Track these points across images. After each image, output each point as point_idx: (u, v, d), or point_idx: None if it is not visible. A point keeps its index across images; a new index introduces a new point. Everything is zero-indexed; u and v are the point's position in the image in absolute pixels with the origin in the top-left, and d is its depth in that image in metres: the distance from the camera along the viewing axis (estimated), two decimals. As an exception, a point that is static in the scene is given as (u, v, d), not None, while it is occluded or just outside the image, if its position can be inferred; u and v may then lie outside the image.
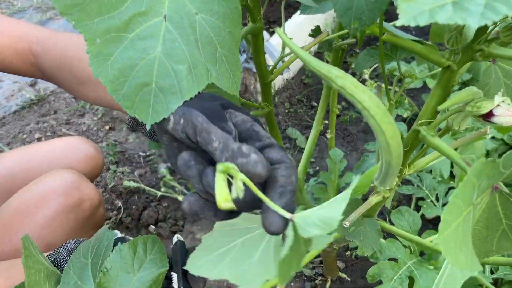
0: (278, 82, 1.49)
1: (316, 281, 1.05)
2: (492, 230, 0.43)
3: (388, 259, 0.89)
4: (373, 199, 0.65)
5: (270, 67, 0.73)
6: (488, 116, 0.45)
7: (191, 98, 0.39)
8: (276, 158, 0.32)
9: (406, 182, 1.10)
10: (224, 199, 0.26)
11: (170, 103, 0.38)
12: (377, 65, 1.06)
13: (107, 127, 1.45)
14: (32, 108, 1.53)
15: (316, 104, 1.49)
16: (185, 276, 0.48)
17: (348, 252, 1.11)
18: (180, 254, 0.57)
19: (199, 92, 0.40)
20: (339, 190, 0.98)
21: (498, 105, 0.44)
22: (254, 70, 1.36)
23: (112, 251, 0.43)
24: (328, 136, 1.01)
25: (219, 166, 0.27)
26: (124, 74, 0.38)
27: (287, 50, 0.73)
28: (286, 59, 0.75)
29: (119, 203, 1.23)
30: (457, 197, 0.31)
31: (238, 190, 0.27)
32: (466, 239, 0.34)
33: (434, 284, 0.37)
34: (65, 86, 0.65)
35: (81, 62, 0.61)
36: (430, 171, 1.06)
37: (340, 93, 0.48)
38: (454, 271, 0.35)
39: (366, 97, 0.47)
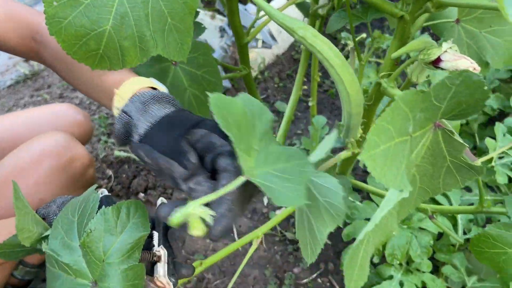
0: (268, 57, 1.51)
1: (298, 244, 1.09)
2: (437, 167, 0.46)
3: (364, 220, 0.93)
4: (342, 154, 0.68)
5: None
6: (437, 62, 0.48)
7: (156, 126, 0.49)
8: (222, 167, 0.39)
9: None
10: (195, 232, 0.33)
11: (114, 67, 0.49)
12: (363, 36, 1.08)
13: (99, 101, 1.48)
14: (26, 83, 1.56)
15: (305, 80, 1.51)
16: (165, 235, 0.51)
17: (330, 218, 1.15)
18: None
19: (165, 116, 0.49)
20: (319, 156, 1.01)
21: (446, 51, 0.47)
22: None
23: (96, 213, 0.45)
24: (310, 104, 1.04)
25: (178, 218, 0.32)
26: (76, 38, 0.46)
27: (262, 13, 0.75)
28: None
29: (110, 172, 1.27)
30: (384, 120, 0.34)
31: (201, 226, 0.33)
32: (398, 164, 0.37)
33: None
34: (63, 77, 0.70)
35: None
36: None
37: (302, 43, 0.50)
38: (390, 196, 0.38)
39: (326, 47, 0.50)
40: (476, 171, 0.41)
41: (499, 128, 0.98)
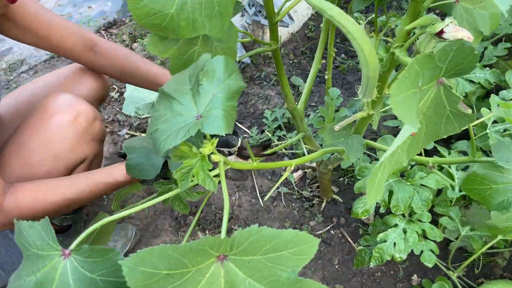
0: (283, 35, 1.62)
1: (313, 201, 1.24)
2: (439, 116, 0.58)
3: (373, 177, 1.06)
4: (359, 114, 0.81)
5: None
6: (440, 34, 0.60)
7: None
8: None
9: (392, 117, 1.26)
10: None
11: (170, 35, 0.62)
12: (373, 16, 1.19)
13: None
14: (60, 58, 1.68)
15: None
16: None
17: (341, 179, 1.29)
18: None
19: None
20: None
21: (447, 25, 0.60)
22: (262, 22, 1.50)
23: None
24: (326, 77, 1.17)
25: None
26: (147, 15, 0.61)
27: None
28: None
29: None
30: (403, 76, 0.46)
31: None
32: (412, 108, 0.49)
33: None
34: (118, 78, 1.02)
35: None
36: (414, 109, 1.22)
37: (331, 21, 0.63)
38: (404, 132, 0.51)
39: (350, 24, 0.63)
40: (468, 118, 0.54)
41: (494, 99, 1.11)
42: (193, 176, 0.53)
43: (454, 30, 0.59)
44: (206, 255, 0.42)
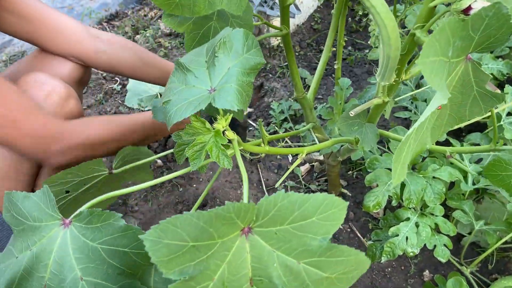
0: (290, 27, 1.59)
1: (321, 195, 1.21)
2: (466, 96, 0.54)
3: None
4: (374, 101, 0.78)
5: None
6: (467, 10, 0.57)
7: None
8: None
9: (404, 108, 1.23)
10: None
11: (185, 14, 0.59)
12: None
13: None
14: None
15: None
16: None
17: (350, 172, 1.26)
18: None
19: None
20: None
21: (476, 0, 0.56)
22: (268, 13, 1.47)
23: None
24: (335, 67, 1.13)
25: None
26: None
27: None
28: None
29: (146, 130, 1.37)
30: (433, 37, 0.42)
31: None
32: (441, 76, 0.45)
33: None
34: (138, 78, 1.04)
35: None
36: (425, 100, 1.19)
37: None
38: (433, 101, 0.47)
39: (373, -1, 0.59)
40: (497, 98, 0.51)
41: (508, 89, 1.08)
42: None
43: (483, 5, 0.55)
44: (231, 225, 0.39)
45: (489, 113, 1.10)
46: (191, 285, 0.38)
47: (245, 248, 0.40)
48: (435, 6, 0.60)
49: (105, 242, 0.44)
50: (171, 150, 0.73)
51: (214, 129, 0.48)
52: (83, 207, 0.46)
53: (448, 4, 0.61)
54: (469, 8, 0.56)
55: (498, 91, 0.51)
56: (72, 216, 0.46)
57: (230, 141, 0.54)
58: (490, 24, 0.43)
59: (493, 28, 0.44)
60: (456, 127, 0.67)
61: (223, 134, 0.49)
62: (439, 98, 0.42)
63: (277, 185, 0.85)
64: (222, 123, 0.47)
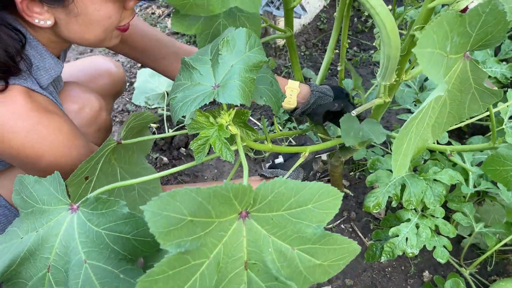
0: (295, 27, 1.60)
1: (323, 195, 1.22)
2: (464, 93, 0.54)
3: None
4: (376, 101, 0.79)
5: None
6: (465, 11, 0.58)
7: None
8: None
9: (407, 111, 1.23)
10: None
11: (200, 13, 0.61)
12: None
13: (139, 65, 1.60)
14: (71, 47, 1.68)
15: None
16: None
17: (352, 173, 1.27)
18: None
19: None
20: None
21: (473, 1, 0.58)
22: (274, 13, 1.48)
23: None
24: (339, 68, 1.15)
25: None
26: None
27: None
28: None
29: (153, 128, 1.40)
30: (430, 29, 0.42)
31: None
32: (438, 68, 0.45)
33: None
34: (153, 68, 0.98)
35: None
36: (429, 103, 1.20)
37: None
38: (430, 96, 0.47)
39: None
40: (495, 95, 0.52)
41: (511, 93, 1.09)
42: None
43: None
44: (229, 206, 0.40)
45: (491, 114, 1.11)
46: (186, 258, 0.39)
47: (241, 232, 0.42)
48: (434, 7, 0.61)
49: (109, 228, 0.46)
50: (171, 133, 0.75)
51: (217, 123, 0.50)
52: (91, 194, 0.48)
53: (444, 6, 0.62)
54: (466, 9, 0.58)
55: (496, 88, 0.52)
56: (80, 202, 0.48)
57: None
58: (486, 21, 0.44)
59: (489, 25, 0.45)
60: (456, 126, 0.68)
61: (226, 129, 0.51)
62: (437, 91, 0.43)
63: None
64: (225, 118, 0.49)
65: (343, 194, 0.43)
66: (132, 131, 0.72)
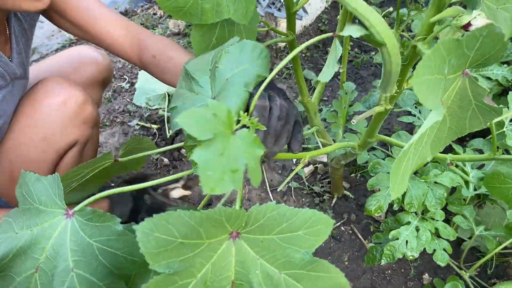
0: (297, 28, 1.60)
1: (324, 197, 1.23)
2: (464, 110, 0.55)
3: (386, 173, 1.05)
4: (377, 109, 0.79)
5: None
6: (467, 27, 0.58)
7: None
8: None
9: (407, 113, 1.24)
10: None
11: (194, 21, 0.61)
12: (390, 10, 1.17)
13: (139, 66, 1.61)
14: (72, 46, 1.68)
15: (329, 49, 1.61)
16: None
17: (353, 175, 1.27)
18: None
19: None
20: (348, 117, 1.13)
21: (475, 17, 0.58)
22: (276, 14, 1.48)
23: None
24: (340, 70, 1.15)
25: None
26: (176, 6, 0.60)
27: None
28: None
29: (154, 129, 1.40)
30: (428, 58, 0.44)
31: None
32: (436, 95, 0.47)
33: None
34: (153, 73, 0.90)
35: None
36: (430, 105, 1.20)
37: (354, 13, 0.61)
38: (428, 120, 0.48)
39: (373, 16, 0.61)
40: (496, 112, 0.52)
41: (511, 96, 1.09)
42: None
43: (482, 23, 0.56)
44: (221, 228, 0.41)
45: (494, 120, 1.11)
46: (174, 279, 0.39)
47: (231, 252, 0.42)
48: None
49: (101, 242, 0.47)
50: (174, 146, 0.75)
51: None
52: (86, 201, 0.48)
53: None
54: (468, 24, 0.58)
55: (495, 105, 0.52)
56: (75, 208, 0.48)
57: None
58: (484, 43, 0.45)
59: (487, 47, 0.45)
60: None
61: None
62: (434, 116, 0.44)
63: (280, 187, 0.87)
64: None
65: (334, 221, 0.43)
66: (129, 154, 0.72)
